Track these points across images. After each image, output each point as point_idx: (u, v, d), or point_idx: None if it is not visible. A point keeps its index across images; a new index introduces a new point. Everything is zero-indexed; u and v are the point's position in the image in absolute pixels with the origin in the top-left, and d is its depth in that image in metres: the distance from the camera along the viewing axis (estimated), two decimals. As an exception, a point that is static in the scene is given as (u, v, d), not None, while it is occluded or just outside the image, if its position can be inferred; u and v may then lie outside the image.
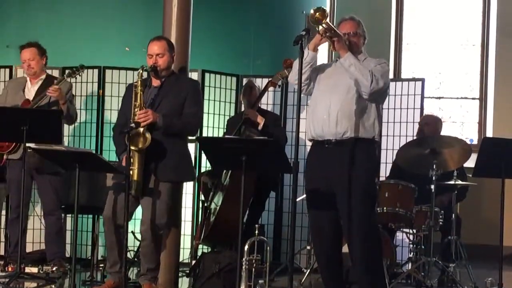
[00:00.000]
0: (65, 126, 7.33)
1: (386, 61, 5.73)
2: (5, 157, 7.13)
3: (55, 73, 7.75)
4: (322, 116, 5.55)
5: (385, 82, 5.54)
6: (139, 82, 5.97)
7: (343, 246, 5.74)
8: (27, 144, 6.44)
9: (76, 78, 7.23)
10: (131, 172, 5.84)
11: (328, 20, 5.37)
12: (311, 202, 5.70)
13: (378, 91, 5.52)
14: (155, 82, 6.13)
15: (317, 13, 5.33)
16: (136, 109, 5.94)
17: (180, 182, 6.36)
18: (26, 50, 7.18)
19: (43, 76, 7.22)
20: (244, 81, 8.10)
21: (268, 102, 7.68)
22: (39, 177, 7.08)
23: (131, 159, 5.82)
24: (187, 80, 6.33)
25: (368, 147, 5.58)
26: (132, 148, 5.82)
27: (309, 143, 8.01)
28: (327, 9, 10.46)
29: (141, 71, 5.98)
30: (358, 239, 5.50)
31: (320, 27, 5.41)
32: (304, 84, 5.63)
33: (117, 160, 6.32)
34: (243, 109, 7.76)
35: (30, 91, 7.16)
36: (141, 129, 5.86)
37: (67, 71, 7.11)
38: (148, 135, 5.85)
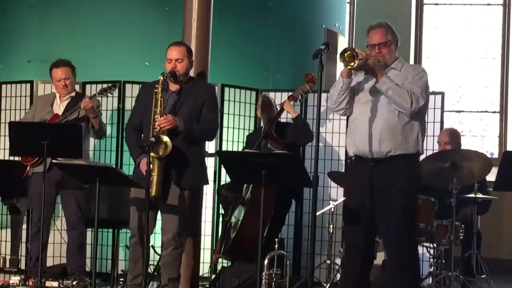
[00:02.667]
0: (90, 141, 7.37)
1: (424, 69, 5.61)
2: (28, 169, 7.17)
3: (76, 88, 7.79)
4: (365, 135, 5.46)
5: (426, 99, 5.47)
6: (160, 89, 6.00)
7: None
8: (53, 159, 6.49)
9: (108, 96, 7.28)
10: (151, 178, 5.86)
11: (358, 53, 5.27)
12: (350, 216, 5.65)
13: (420, 109, 5.45)
14: (173, 87, 6.16)
15: (346, 54, 5.25)
16: (156, 116, 5.97)
17: (199, 188, 6.39)
18: (61, 69, 7.17)
19: (73, 94, 7.26)
20: (264, 95, 8.10)
21: (287, 116, 7.68)
22: (64, 191, 7.11)
23: (151, 166, 5.85)
24: (204, 85, 6.37)
25: (411, 163, 5.50)
26: (153, 155, 5.85)
27: (328, 157, 8.07)
28: (346, 24, 10.49)
29: (161, 78, 6.01)
30: (396, 257, 5.49)
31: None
32: (345, 108, 5.59)
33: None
34: (262, 124, 7.76)
35: (59, 107, 7.20)
36: (163, 137, 5.88)
37: (100, 88, 7.15)
38: (169, 143, 5.87)
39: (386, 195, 5.42)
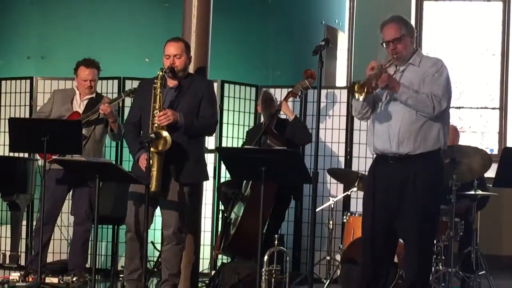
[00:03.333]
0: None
1: (443, 62, 5.44)
2: (47, 165, 7.15)
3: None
4: (384, 135, 5.41)
5: (448, 98, 5.34)
6: (159, 84, 6.00)
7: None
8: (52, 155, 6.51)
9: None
10: (150, 174, 5.86)
11: (365, 85, 5.16)
12: (368, 214, 5.58)
13: (444, 110, 5.34)
14: (171, 83, 6.16)
15: (356, 87, 5.15)
16: (155, 111, 5.97)
17: (198, 184, 6.42)
18: (89, 69, 7.16)
19: (94, 95, 7.25)
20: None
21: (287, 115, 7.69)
22: (78, 189, 7.09)
23: (151, 161, 5.86)
24: (202, 80, 6.38)
25: (430, 160, 5.39)
26: (152, 150, 5.85)
27: (328, 154, 8.07)
28: (346, 20, 10.48)
29: (160, 73, 6.01)
30: (415, 255, 5.45)
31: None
32: (369, 117, 5.54)
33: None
34: (262, 120, 7.77)
35: (80, 106, 7.19)
36: (163, 132, 5.89)
37: (126, 90, 7.21)
38: (168, 138, 5.87)
39: (404, 194, 5.37)
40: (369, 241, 5.51)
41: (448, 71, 5.43)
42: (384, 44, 5.44)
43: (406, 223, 5.39)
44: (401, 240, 5.70)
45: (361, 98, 5.20)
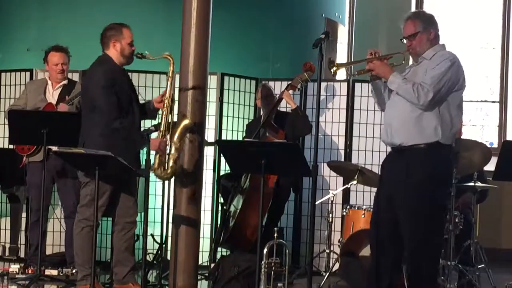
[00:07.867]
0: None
1: (451, 56, 5.51)
2: (25, 159, 7.18)
3: (75, 77, 7.79)
4: (386, 126, 5.54)
5: (437, 90, 5.28)
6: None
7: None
8: (51, 147, 6.51)
9: None
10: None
11: (343, 63, 5.39)
12: (375, 205, 5.64)
13: (431, 100, 5.30)
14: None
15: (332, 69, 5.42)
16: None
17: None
18: (59, 53, 7.21)
19: (66, 82, 7.26)
20: (263, 85, 8.08)
21: (287, 105, 7.68)
22: (61, 180, 7.12)
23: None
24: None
25: (427, 154, 5.35)
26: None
27: (328, 147, 8.07)
28: (346, 13, 10.47)
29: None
30: (410, 248, 5.42)
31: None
32: (381, 105, 5.72)
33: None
34: (261, 113, 7.76)
35: (53, 95, 7.20)
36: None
37: None
38: None
39: (400, 187, 5.38)
40: (381, 237, 5.53)
41: (453, 66, 5.44)
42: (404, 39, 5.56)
43: (401, 217, 5.41)
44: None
45: (332, 70, 5.43)
